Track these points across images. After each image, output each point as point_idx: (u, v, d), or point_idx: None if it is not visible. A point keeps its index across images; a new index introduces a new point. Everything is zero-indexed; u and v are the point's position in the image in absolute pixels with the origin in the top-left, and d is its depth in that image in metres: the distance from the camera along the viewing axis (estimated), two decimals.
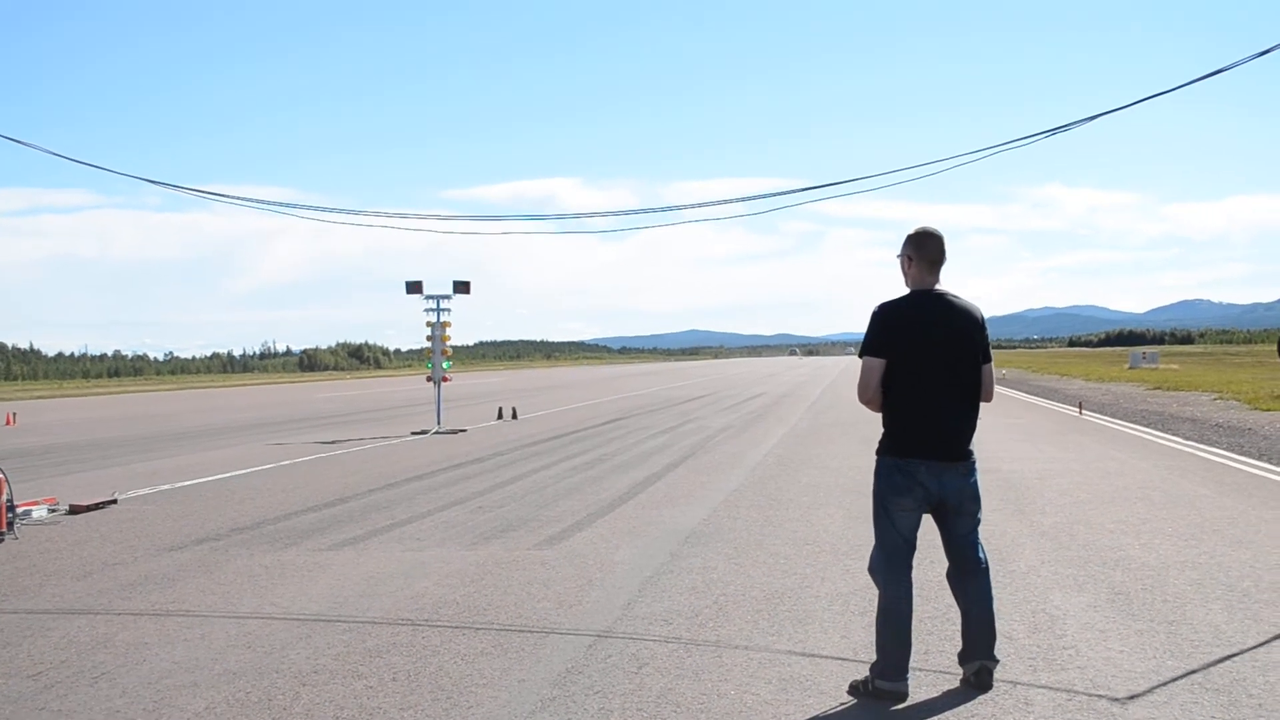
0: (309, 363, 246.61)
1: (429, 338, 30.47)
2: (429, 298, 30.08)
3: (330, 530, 13.02)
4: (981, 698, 6.48)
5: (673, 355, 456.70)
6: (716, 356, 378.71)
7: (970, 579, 6.80)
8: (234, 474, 19.87)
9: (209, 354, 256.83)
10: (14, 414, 45.86)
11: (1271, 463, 18.02)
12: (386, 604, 9.22)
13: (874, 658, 6.67)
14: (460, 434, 28.69)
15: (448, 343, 30.50)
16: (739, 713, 6.31)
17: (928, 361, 6.54)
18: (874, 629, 6.75)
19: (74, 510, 14.95)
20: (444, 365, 30.59)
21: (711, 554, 11.07)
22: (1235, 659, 7.17)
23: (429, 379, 31.53)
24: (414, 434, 29.04)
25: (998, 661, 6.75)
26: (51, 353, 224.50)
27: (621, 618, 8.56)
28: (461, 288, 30.09)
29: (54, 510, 14.92)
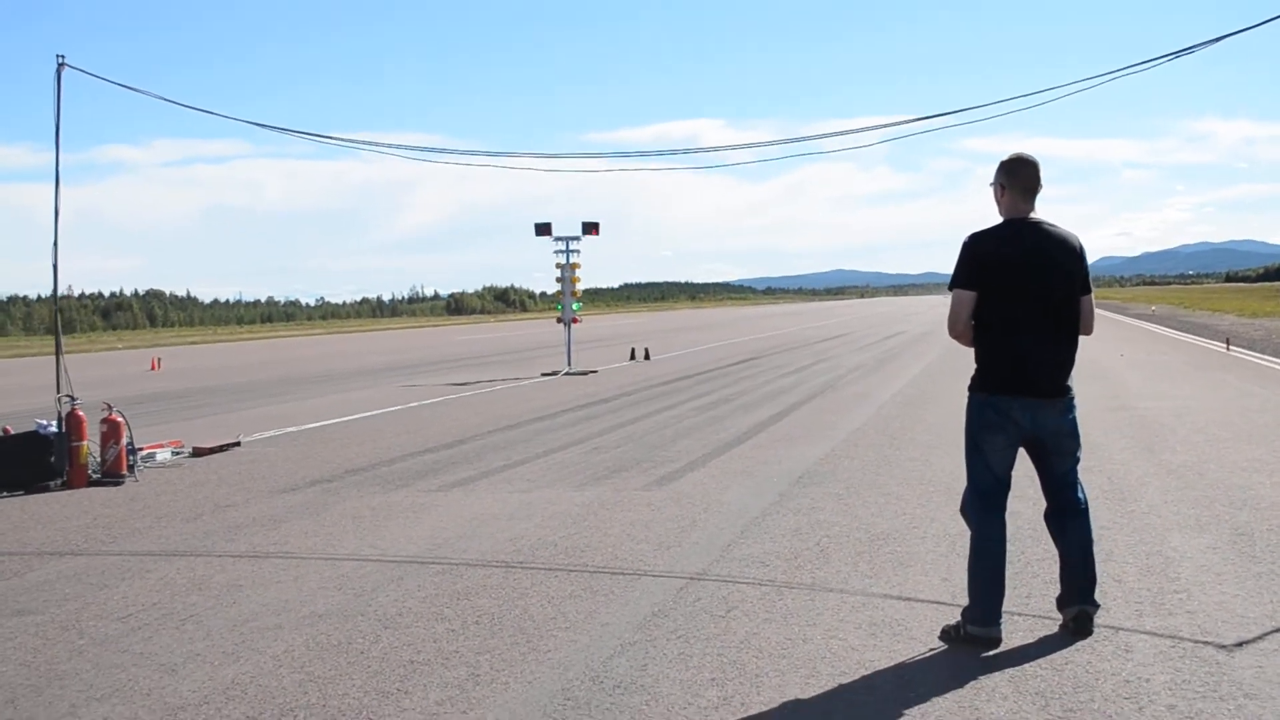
0: (456, 306, 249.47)
1: (558, 279, 30.44)
2: (558, 239, 30.06)
3: (443, 472, 13.01)
4: (1079, 644, 6.15)
5: (817, 295, 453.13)
6: (862, 296, 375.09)
7: (1069, 520, 6.45)
8: (360, 416, 20.05)
9: (359, 299, 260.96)
10: (159, 359, 46.98)
11: None
12: (485, 546, 9.12)
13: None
14: (590, 375, 28.68)
15: (577, 284, 30.47)
16: (823, 658, 6.07)
17: (1020, 293, 6.17)
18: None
19: (197, 453, 15.16)
20: (574, 307, 30.58)
21: (821, 494, 10.81)
22: None
23: (559, 320, 31.56)
24: (544, 375, 29.10)
25: (1098, 606, 6.40)
26: (207, 300, 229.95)
27: (719, 560, 8.36)
28: (590, 229, 30.00)
29: (178, 453, 15.14)
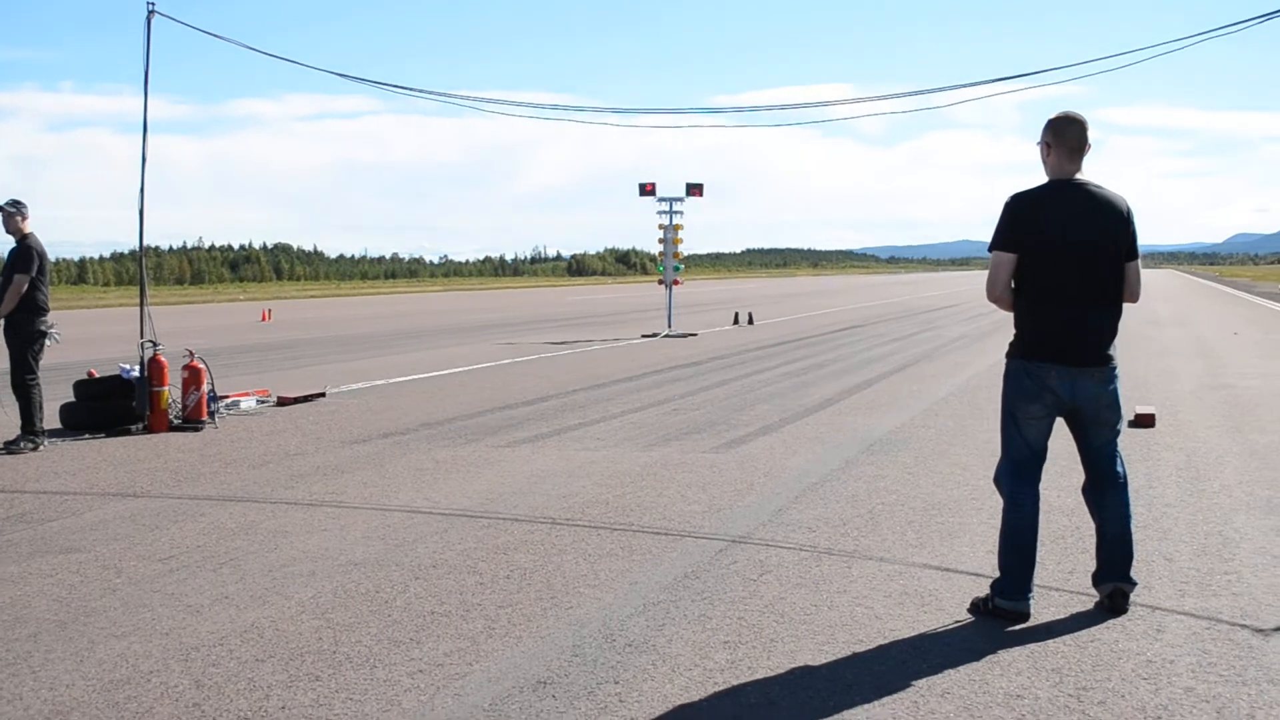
0: (577, 267, 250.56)
1: (660, 240, 30.36)
2: (661, 200, 29.93)
3: (517, 428, 13.03)
4: (1109, 622, 5.95)
5: (941, 265, 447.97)
6: (986, 267, 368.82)
7: (1107, 493, 6.23)
8: (451, 371, 20.18)
9: (481, 258, 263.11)
10: (269, 310, 47.74)
11: None
12: (537, 501, 9.11)
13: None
14: (690, 338, 28.61)
15: (679, 245, 30.34)
16: (844, 625, 5.96)
17: (1062, 256, 5.94)
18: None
19: (281, 402, 15.36)
20: (675, 268, 30.48)
21: (888, 462, 10.65)
22: None
23: (660, 282, 31.49)
24: (644, 336, 29.09)
25: (1135, 584, 6.19)
26: (333, 255, 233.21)
27: (766, 524, 8.26)
28: (694, 190, 29.84)
29: (263, 401, 15.35)
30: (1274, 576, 6.76)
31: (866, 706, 4.92)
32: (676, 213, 30.06)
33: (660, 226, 30.23)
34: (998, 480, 6.33)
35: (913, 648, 5.64)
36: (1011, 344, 6.21)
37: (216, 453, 11.66)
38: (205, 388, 13.41)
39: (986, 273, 6.29)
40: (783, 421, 13.31)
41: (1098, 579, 6.22)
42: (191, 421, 13.24)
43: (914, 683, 5.18)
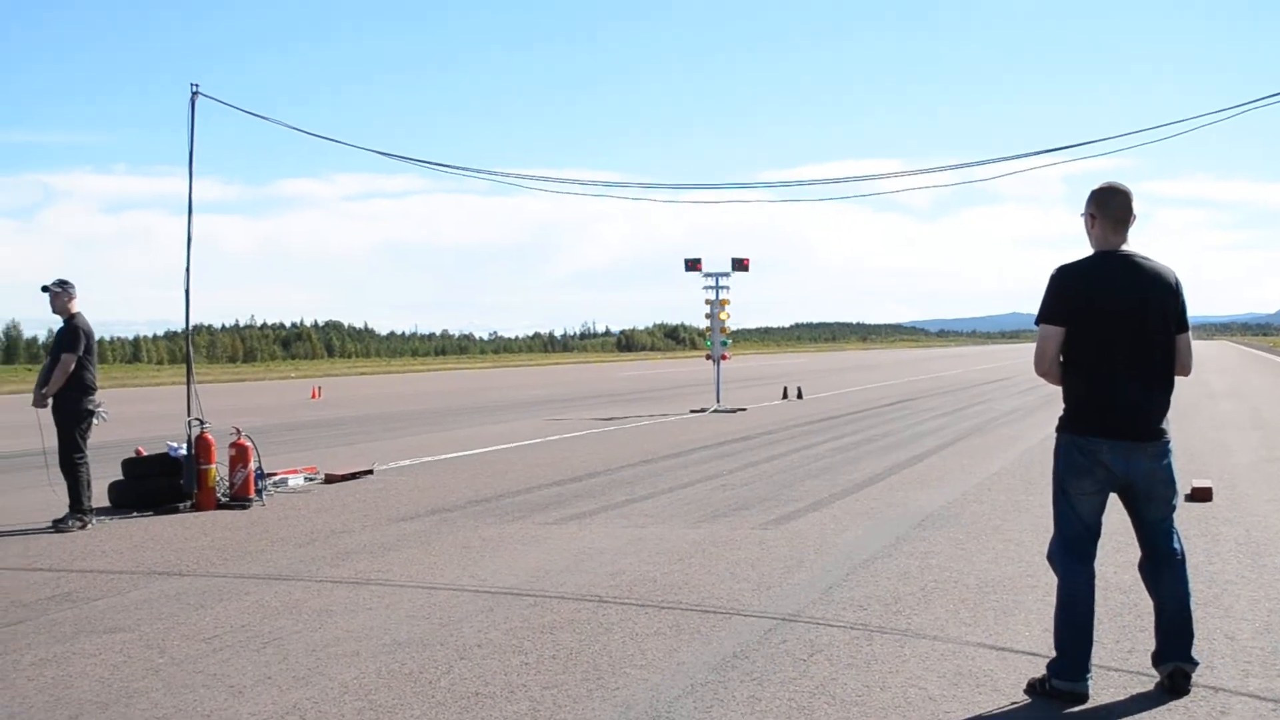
0: (626, 343, 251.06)
1: (707, 315, 30.34)
2: (707, 275, 29.93)
3: (564, 505, 12.94)
4: (1172, 704, 5.77)
5: (991, 338, 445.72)
6: (1035, 339, 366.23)
7: (1163, 571, 6.07)
8: (499, 447, 20.16)
9: (531, 334, 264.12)
10: (319, 388, 47.94)
11: None
12: (584, 579, 9.00)
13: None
14: (738, 412, 28.48)
15: (726, 320, 30.29)
16: (897, 708, 5.81)
17: (1111, 329, 5.83)
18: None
19: (329, 479, 15.35)
20: (722, 343, 30.43)
21: (940, 538, 10.48)
22: None
23: (707, 357, 31.43)
24: (692, 412, 28.98)
25: (1196, 664, 6.00)
26: (384, 332, 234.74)
27: (816, 601, 8.11)
28: (739, 265, 29.82)
29: (311, 479, 15.34)
30: None
31: None
32: (723, 287, 30.06)
33: (707, 302, 30.21)
34: (1051, 557, 6.18)
35: None
36: (1062, 418, 6.09)
37: (263, 530, 11.64)
38: (252, 465, 13.42)
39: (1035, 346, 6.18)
40: (832, 497, 13.16)
41: (1157, 659, 6.05)
42: (239, 499, 13.24)
43: None
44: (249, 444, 13.42)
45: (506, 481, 15.15)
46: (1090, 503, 5.96)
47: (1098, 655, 6.14)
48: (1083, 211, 6.08)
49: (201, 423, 13.38)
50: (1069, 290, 5.92)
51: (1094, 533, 6.02)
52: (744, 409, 29.66)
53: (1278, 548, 9.76)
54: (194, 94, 14.17)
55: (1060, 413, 6.11)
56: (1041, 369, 6.09)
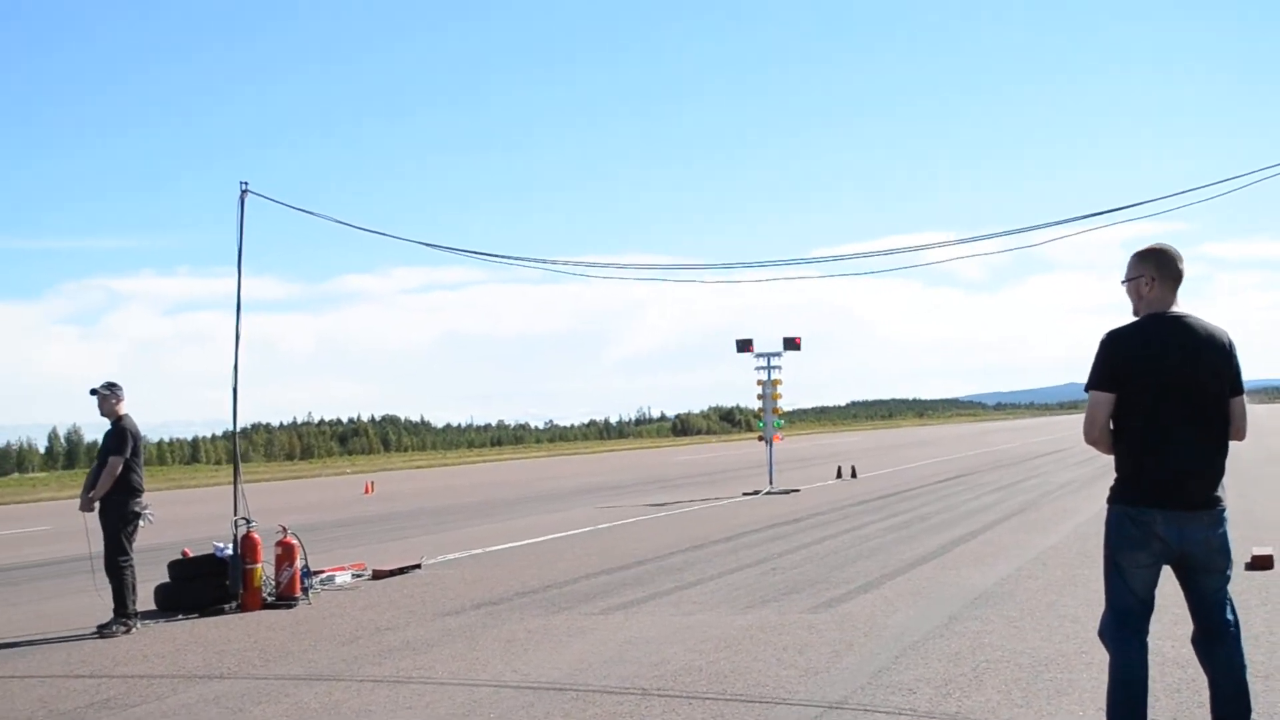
0: (681, 427, 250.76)
1: (759, 396, 30.24)
2: (759, 355, 29.85)
3: (612, 594, 12.81)
4: None
5: (1049, 410, 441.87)
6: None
7: (1218, 644, 5.85)
8: (548, 537, 20.02)
9: (586, 421, 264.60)
10: (372, 483, 48.04)
11: None
12: (629, 671, 8.86)
13: None
14: (792, 494, 28.26)
15: (778, 400, 30.18)
16: None
17: (1165, 394, 5.65)
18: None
19: (376, 575, 15.28)
20: (775, 424, 30.28)
21: (994, 616, 10.27)
22: None
23: (760, 439, 31.27)
24: (745, 495, 28.78)
25: None
26: (440, 424, 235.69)
27: (865, 686, 7.93)
28: (791, 344, 29.73)
29: (358, 575, 15.28)
30: None
31: None
32: (775, 367, 29.96)
33: (759, 383, 30.10)
34: (1103, 634, 5.97)
35: None
36: (1114, 488, 5.90)
37: (307, 630, 11.56)
38: (298, 564, 13.37)
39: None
40: (884, 578, 12.96)
41: None
42: (285, 598, 13.18)
43: None
44: (295, 542, 13.38)
45: (555, 572, 15.03)
46: (1144, 576, 5.77)
47: None
48: (1130, 276, 5.90)
49: (248, 522, 13.35)
50: (1121, 355, 5.75)
51: (1148, 607, 5.83)
52: (797, 490, 29.44)
53: None
54: (243, 192, 14.34)
55: (1111, 483, 5.94)
56: (1091, 437, 5.90)
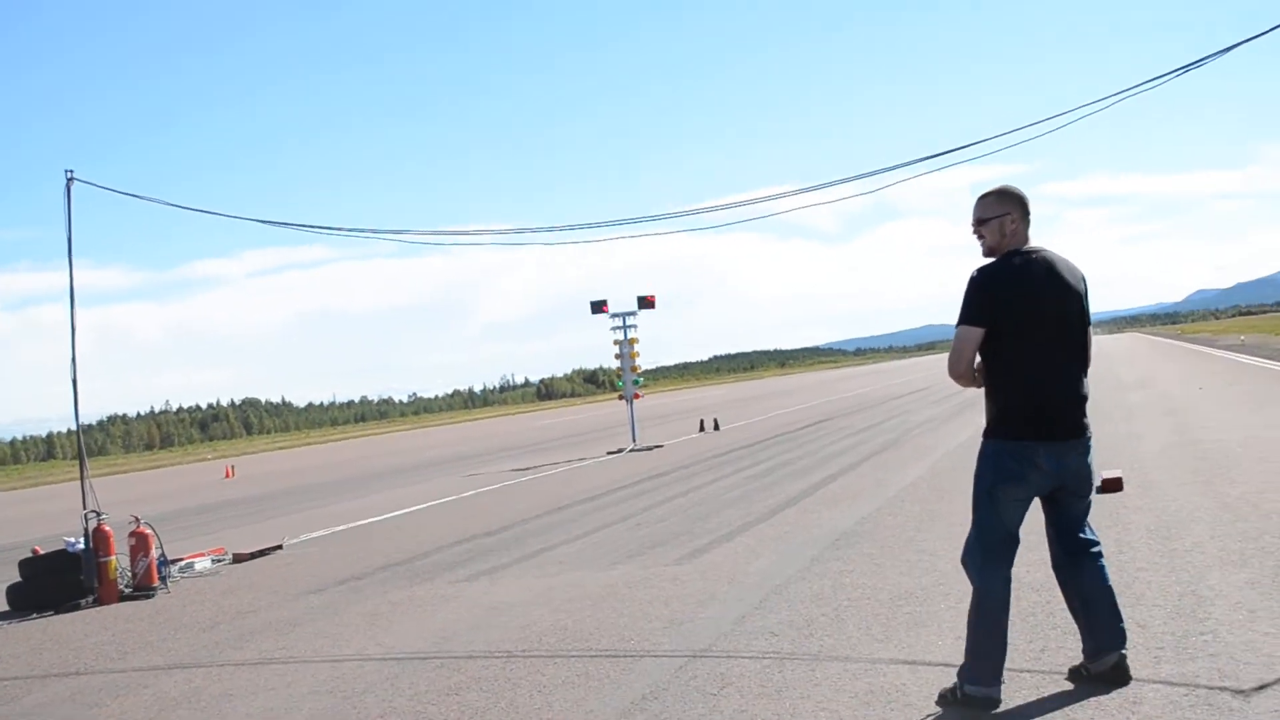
0: (546, 391, 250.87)
1: (617, 356, 30.25)
2: (614, 316, 29.85)
3: (476, 560, 12.71)
4: (1082, 701, 5.67)
5: (909, 352, 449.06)
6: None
7: (1090, 561, 5.91)
8: (412, 509, 19.86)
9: (450, 392, 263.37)
10: (233, 467, 47.31)
11: None
12: (493, 636, 8.79)
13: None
14: (655, 450, 28.37)
15: (636, 359, 30.23)
16: None
17: (1041, 328, 5.69)
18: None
19: (237, 559, 15.02)
20: (635, 382, 30.33)
21: (855, 555, 10.38)
22: None
23: (620, 397, 31.32)
24: (609, 454, 28.82)
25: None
26: (302, 404, 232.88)
27: (728, 634, 7.96)
28: (645, 303, 29.81)
29: (219, 560, 15.01)
30: (1250, 633, 6.51)
31: None
32: (630, 326, 29.97)
33: (615, 342, 30.11)
34: (966, 562, 6.01)
35: None
36: (991, 424, 5.88)
37: (166, 619, 11.31)
38: (154, 553, 13.07)
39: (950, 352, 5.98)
40: (746, 525, 13.04)
41: (1095, 652, 5.88)
42: (143, 589, 12.89)
43: None
44: (149, 532, 13.07)
45: (418, 543, 14.88)
46: (1018, 509, 5.81)
47: (1009, 659, 6.03)
48: (992, 214, 5.87)
49: (98, 515, 13.01)
50: (996, 291, 5.74)
51: (1016, 540, 5.88)
52: (660, 446, 29.56)
53: (1188, 530, 9.74)
54: (69, 180, 13.90)
55: (984, 418, 5.94)
56: (958, 371, 5.85)
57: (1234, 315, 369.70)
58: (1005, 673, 5.85)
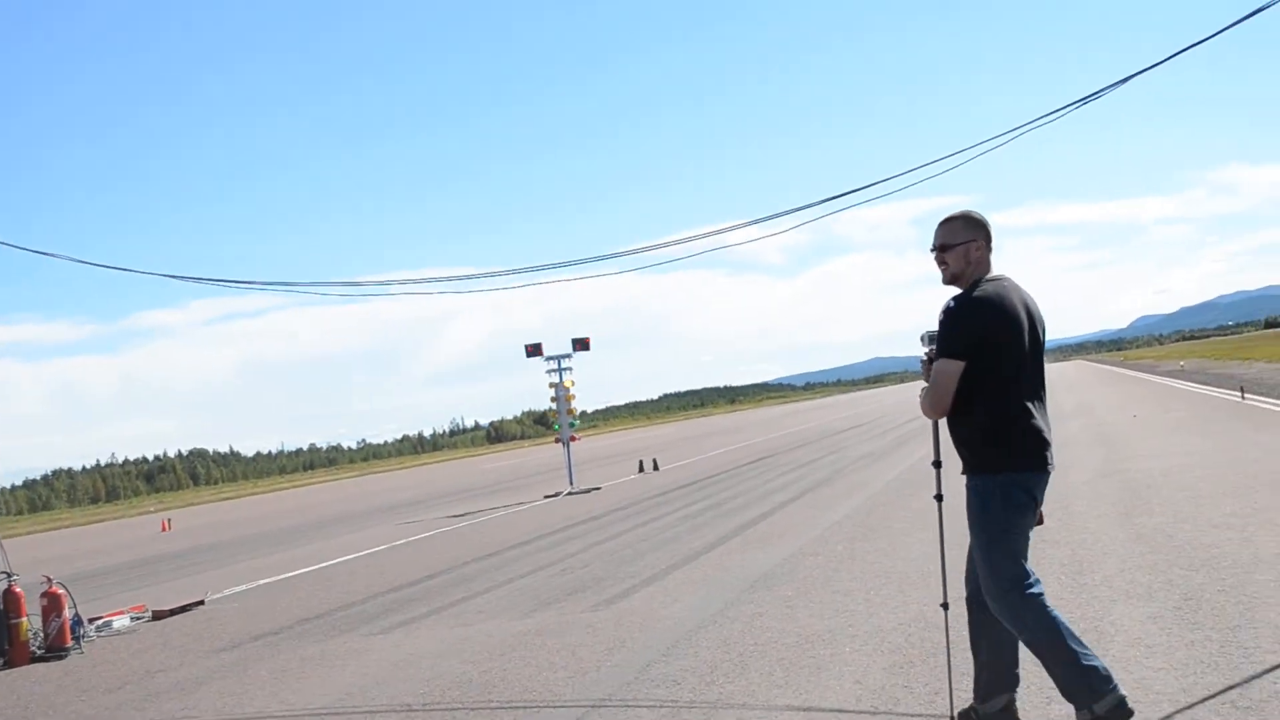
0: (496, 434, 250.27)
1: (553, 399, 30.15)
2: (549, 359, 29.76)
3: (396, 611, 12.55)
4: None
5: (856, 385, 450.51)
6: (902, 381, 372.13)
7: None
8: (341, 560, 19.65)
9: (399, 437, 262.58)
10: (169, 520, 46.78)
11: None
12: (399, 689, 8.65)
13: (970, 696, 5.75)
14: (593, 492, 28.24)
15: (572, 401, 30.14)
16: None
17: (1024, 358, 5.56)
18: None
19: (156, 616, 14.77)
20: (571, 424, 30.22)
21: (769, 598, 10.29)
22: None
23: (556, 440, 31.19)
24: (546, 497, 28.66)
25: None
26: (250, 453, 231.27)
27: (631, 682, 7.85)
28: (581, 345, 29.75)
29: (138, 618, 14.75)
30: (1144, 669, 6.47)
31: None
32: (566, 369, 29.87)
33: (551, 385, 30.01)
34: (1011, 611, 5.53)
35: None
36: (988, 457, 5.58)
37: (74, 680, 11.09)
38: (67, 613, 12.82)
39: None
40: (670, 568, 12.94)
41: (989, 695, 5.73)
42: (55, 650, 12.64)
43: None
44: (61, 591, 12.82)
45: (341, 594, 14.69)
46: (1026, 538, 5.59)
47: (903, 704, 5.94)
48: (958, 240, 5.69)
49: (9, 576, 12.76)
50: (983, 321, 5.52)
51: (1025, 567, 5.58)
52: (598, 488, 29.42)
53: (1100, 564, 9.72)
54: None
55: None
56: (941, 408, 5.61)
57: (1177, 340, 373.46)
58: (898, 718, 5.73)
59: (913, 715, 6.15)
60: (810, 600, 9.95)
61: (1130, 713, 5.28)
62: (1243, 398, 29.61)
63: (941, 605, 5.99)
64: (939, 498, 5.85)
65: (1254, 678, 6.07)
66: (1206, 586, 8.35)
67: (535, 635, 10.07)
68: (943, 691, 6.54)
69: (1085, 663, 5.33)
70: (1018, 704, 5.79)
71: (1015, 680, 5.75)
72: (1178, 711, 5.65)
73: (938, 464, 5.84)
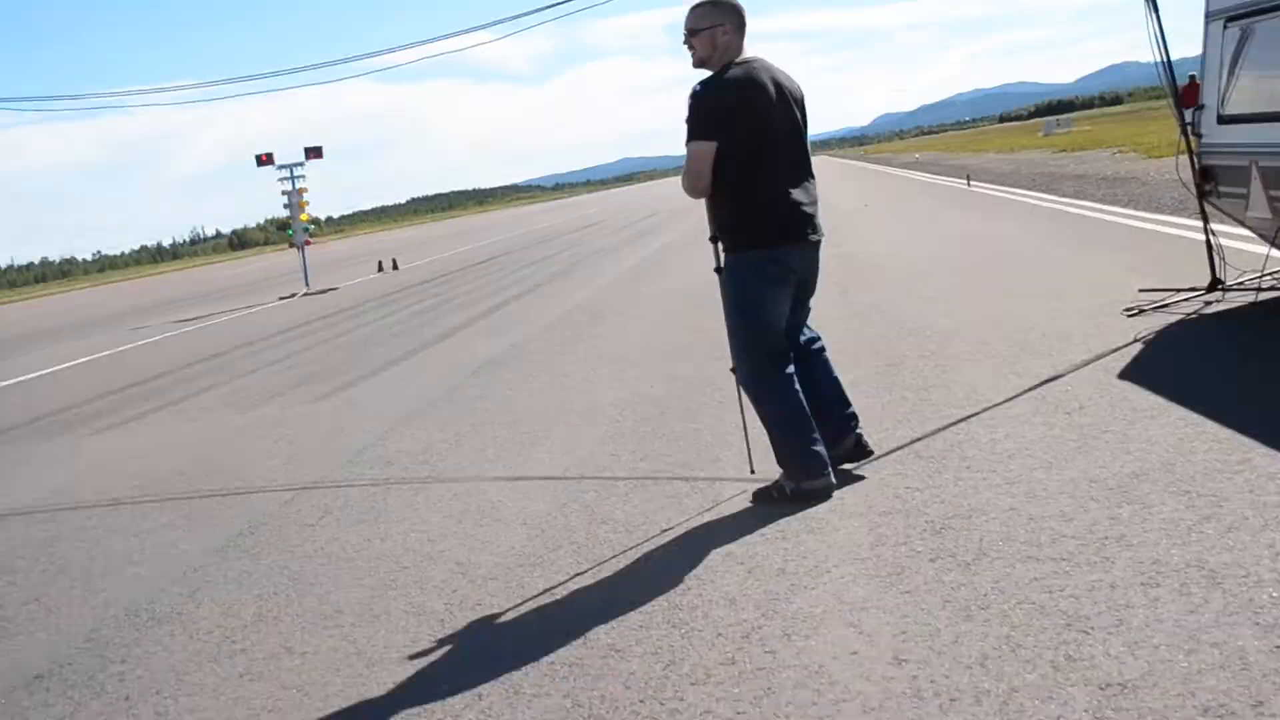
0: (239, 242, 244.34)
1: (285, 206, 29.52)
2: (280, 168, 29.03)
3: (115, 412, 12.21)
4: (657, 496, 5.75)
5: (606, 185, 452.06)
6: (649, 180, 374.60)
7: (816, 360, 5.99)
8: (65, 366, 19.01)
9: (138, 248, 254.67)
10: None
11: (1138, 208, 17.22)
12: (107, 484, 8.45)
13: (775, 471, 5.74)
14: (329, 293, 27.82)
15: (306, 208, 29.58)
16: (390, 555, 5.61)
17: (776, 134, 5.58)
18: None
19: None
20: (304, 229, 29.69)
21: (492, 381, 10.36)
22: (968, 421, 6.48)
23: (291, 245, 30.65)
24: (281, 299, 28.14)
25: None
26: None
27: (344, 465, 7.84)
28: (313, 153, 29.23)
29: None
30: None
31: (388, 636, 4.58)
32: (299, 177, 29.23)
33: (284, 194, 29.35)
34: (748, 379, 5.81)
35: (454, 563, 5.34)
36: (739, 234, 5.67)
37: None
38: None
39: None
40: (399, 359, 12.92)
41: (838, 438, 5.89)
42: None
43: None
44: None
45: (60, 399, 14.22)
46: (783, 310, 5.71)
47: (619, 466, 6.06)
48: (704, 25, 5.62)
49: None
50: (725, 103, 5.52)
51: (785, 340, 5.80)
52: (336, 288, 29.01)
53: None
54: None
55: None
56: (700, 188, 5.63)
57: (916, 135, 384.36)
58: (603, 482, 5.86)
59: (619, 479, 6.28)
60: (530, 382, 10.05)
61: (830, 495, 5.56)
62: (969, 185, 30.67)
63: (731, 370, 6.06)
64: (718, 270, 5.91)
65: (937, 431, 6.36)
66: (909, 354, 8.69)
67: (253, 427, 9.95)
68: (649, 456, 6.71)
69: (813, 448, 5.60)
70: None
71: (854, 419, 6.00)
72: (867, 463, 5.89)
73: (714, 238, 5.90)
